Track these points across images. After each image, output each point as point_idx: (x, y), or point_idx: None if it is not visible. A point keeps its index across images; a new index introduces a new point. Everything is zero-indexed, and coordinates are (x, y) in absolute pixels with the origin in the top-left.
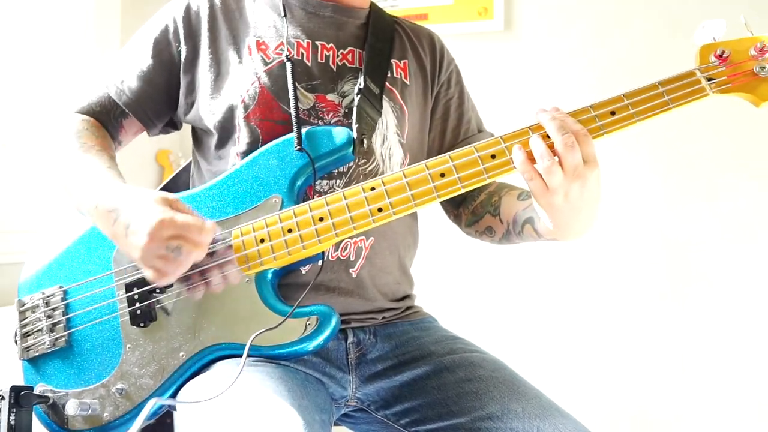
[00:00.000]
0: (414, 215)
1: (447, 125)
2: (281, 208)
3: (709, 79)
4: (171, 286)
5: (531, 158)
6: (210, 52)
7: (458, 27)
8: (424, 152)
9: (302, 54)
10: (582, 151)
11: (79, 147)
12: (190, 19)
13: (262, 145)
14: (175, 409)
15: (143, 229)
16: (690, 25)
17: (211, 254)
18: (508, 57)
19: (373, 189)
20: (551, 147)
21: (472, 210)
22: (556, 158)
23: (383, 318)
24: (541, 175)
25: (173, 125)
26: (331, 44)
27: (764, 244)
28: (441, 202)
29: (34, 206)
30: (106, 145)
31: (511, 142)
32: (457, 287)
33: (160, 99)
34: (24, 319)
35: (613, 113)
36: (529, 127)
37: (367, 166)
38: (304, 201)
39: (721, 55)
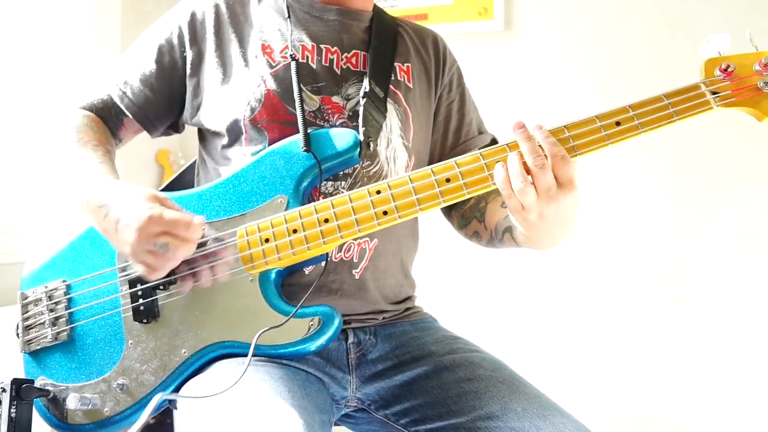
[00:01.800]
0: (415, 218)
1: (449, 127)
2: (286, 209)
3: (714, 93)
4: (174, 282)
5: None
6: (216, 55)
7: (458, 27)
8: (428, 154)
9: (307, 57)
10: (557, 174)
11: (76, 141)
12: (195, 24)
13: (268, 146)
14: (176, 408)
15: (132, 225)
16: (690, 26)
17: (215, 254)
18: (508, 57)
19: (378, 192)
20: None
21: (462, 214)
22: (530, 178)
23: (383, 318)
24: None
25: (174, 128)
26: (335, 48)
27: (763, 251)
28: None
29: (35, 206)
30: (104, 140)
31: (518, 150)
32: (457, 287)
33: (161, 103)
34: (26, 312)
35: (618, 124)
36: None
37: (371, 168)
38: (309, 202)
39: (725, 70)
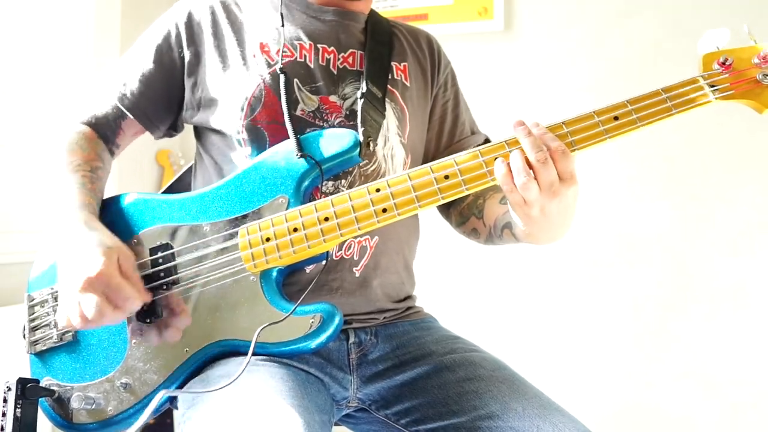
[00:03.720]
0: (416, 215)
1: (444, 127)
2: (287, 209)
3: (712, 86)
4: (177, 283)
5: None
6: (214, 55)
7: (458, 27)
8: (423, 152)
9: (305, 56)
10: (558, 169)
11: (62, 164)
12: (192, 24)
13: (269, 146)
14: (177, 408)
15: (80, 275)
16: (690, 26)
17: (219, 252)
18: (508, 57)
19: (378, 190)
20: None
21: (460, 211)
22: (532, 173)
23: (384, 318)
24: None
25: (174, 128)
26: (332, 47)
27: (764, 249)
28: None
29: (38, 207)
30: (92, 157)
31: (516, 147)
32: (457, 287)
33: (160, 102)
34: (33, 314)
35: (616, 118)
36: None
37: (369, 167)
38: (310, 201)
39: (724, 63)
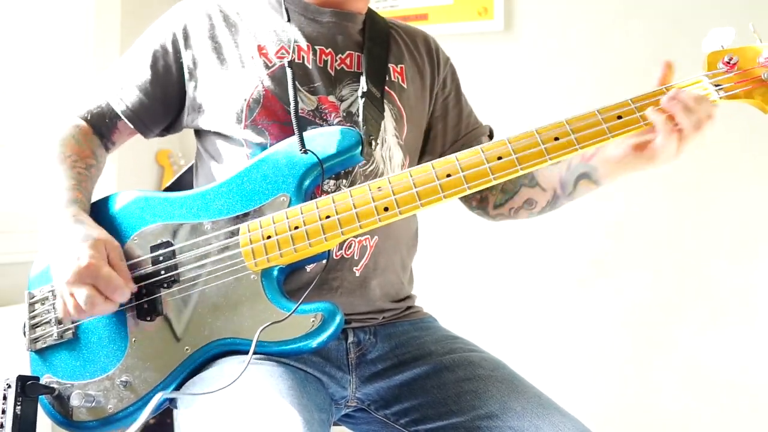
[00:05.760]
0: (415, 216)
1: (447, 122)
2: (289, 207)
3: (717, 86)
4: (178, 281)
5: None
6: (212, 58)
7: (458, 27)
8: (419, 153)
9: (303, 57)
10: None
11: (57, 156)
12: (189, 28)
13: (270, 146)
14: (176, 407)
15: (69, 267)
16: (690, 26)
17: (220, 250)
18: (508, 57)
19: (379, 188)
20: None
21: (502, 188)
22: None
23: (383, 318)
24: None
25: (168, 130)
26: (329, 49)
27: (764, 253)
28: None
29: (37, 206)
30: (87, 154)
31: (516, 143)
32: (457, 287)
33: (156, 108)
34: (33, 311)
35: (620, 117)
36: (536, 131)
37: (367, 167)
38: (311, 200)
39: (729, 62)
